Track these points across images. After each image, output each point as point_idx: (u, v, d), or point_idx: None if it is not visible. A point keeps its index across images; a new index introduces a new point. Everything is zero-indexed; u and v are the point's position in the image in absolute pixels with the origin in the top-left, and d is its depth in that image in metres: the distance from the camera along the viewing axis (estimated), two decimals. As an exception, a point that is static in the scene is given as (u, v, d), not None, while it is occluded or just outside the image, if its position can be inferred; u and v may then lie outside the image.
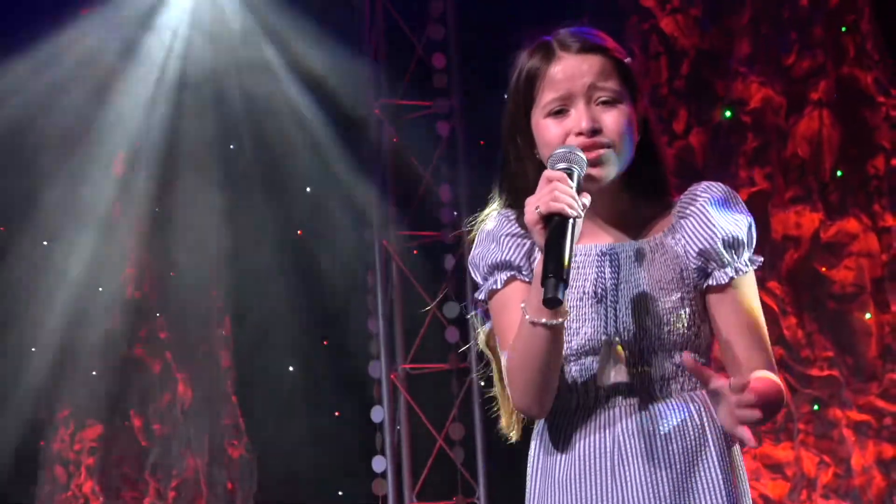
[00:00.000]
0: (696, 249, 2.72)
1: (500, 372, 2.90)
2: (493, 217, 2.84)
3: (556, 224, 2.56)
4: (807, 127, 6.86)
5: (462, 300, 7.67)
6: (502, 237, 2.79)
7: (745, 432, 2.48)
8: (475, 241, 2.87)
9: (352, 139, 7.91)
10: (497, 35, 7.58)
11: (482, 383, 7.54)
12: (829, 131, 6.82)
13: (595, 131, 2.70)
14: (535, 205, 2.59)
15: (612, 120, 2.71)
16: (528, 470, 2.85)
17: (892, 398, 6.64)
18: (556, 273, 2.53)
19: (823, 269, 6.70)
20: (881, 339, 6.68)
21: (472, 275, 2.87)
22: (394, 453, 7.61)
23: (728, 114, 6.98)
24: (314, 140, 8.07)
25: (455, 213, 7.73)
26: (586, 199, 2.61)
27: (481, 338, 2.95)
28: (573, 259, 2.61)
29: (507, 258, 2.77)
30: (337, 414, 8.15)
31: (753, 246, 2.76)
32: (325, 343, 8.17)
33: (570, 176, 2.62)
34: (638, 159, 2.78)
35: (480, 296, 2.86)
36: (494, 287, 2.80)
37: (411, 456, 7.63)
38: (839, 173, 6.80)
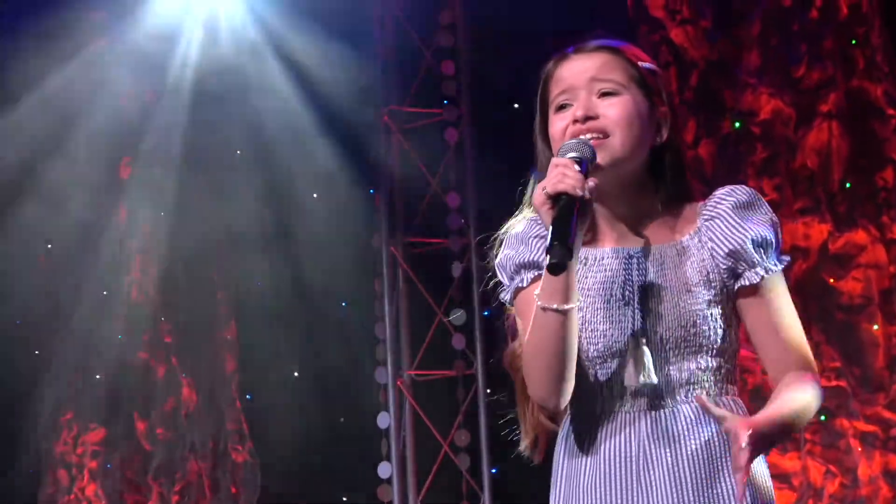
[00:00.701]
0: (726, 250, 2.75)
1: (522, 391, 2.93)
2: (521, 221, 2.89)
3: (563, 203, 2.63)
4: (816, 138, 6.88)
5: (469, 307, 7.69)
6: (531, 239, 2.84)
7: (739, 477, 2.51)
8: (503, 245, 2.92)
9: (360, 145, 7.91)
10: (506, 43, 7.66)
11: (488, 390, 7.60)
12: (838, 143, 6.85)
13: (588, 118, 2.75)
14: (542, 187, 2.66)
15: (610, 108, 2.76)
16: (553, 475, 2.88)
17: (899, 409, 6.68)
18: (561, 240, 2.59)
19: (831, 280, 6.73)
20: (888, 351, 6.71)
21: (499, 276, 2.92)
22: (399, 459, 7.62)
23: (737, 125, 7.00)
24: (322, 145, 8.07)
25: (462, 220, 7.75)
26: (592, 182, 2.66)
27: (505, 357, 2.98)
28: (579, 255, 2.70)
29: (535, 258, 2.81)
30: (342, 419, 8.15)
31: (780, 246, 2.78)
32: (330, 349, 8.16)
33: (578, 163, 2.68)
34: (660, 162, 2.82)
35: (506, 296, 2.90)
36: (521, 286, 2.84)
37: (416, 462, 7.64)
38: (848, 185, 6.83)
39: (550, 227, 2.62)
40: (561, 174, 2.64)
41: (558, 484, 2.85)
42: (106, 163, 8.41)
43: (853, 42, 6.86)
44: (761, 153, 6.97)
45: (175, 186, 8.39)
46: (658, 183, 2.83)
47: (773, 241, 2.76)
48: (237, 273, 8.45)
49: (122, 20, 8.12)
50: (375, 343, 7.74)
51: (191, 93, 8.30)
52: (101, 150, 8.34)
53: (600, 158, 2.74)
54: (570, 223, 2.60)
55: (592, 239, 2.84)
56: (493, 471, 7.61)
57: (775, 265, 2.76)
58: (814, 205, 6.81)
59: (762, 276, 2.74)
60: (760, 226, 2.76)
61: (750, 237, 2.75)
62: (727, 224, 2.77)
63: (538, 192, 2.66)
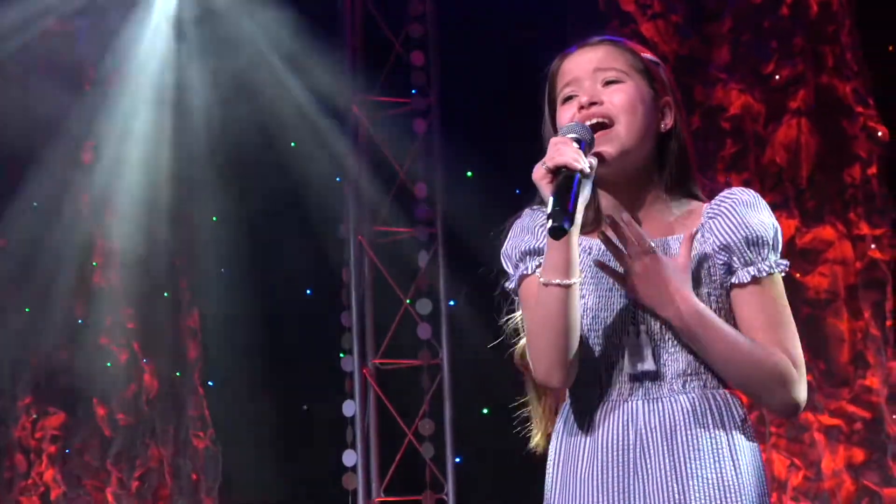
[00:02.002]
0: (720, 244, 2.77)
1: (534, 386, 2.95)
2: (527, 212, 2.91)
3: (563, 175, 2.65)
4: (785, 135, 6.94)
5: (435, 297, 7.71)
6: (537, 227, 2.86)
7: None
8: (508, 236, 2.94)
9: (327, 134, 7.91)
10: (476, 34, 7.68)
11: (453, 380, 7.62)
12: (807, 139, 6.90)
13: (593, 104, 2.79)
14: (542, 163, 2.69)
15: (614, 95, 2.79)
16: (549, 460, 2.87)
17: (863, 404, 6.73)
18: (562, 206, 2.61)
19: (798, 275, 6.79)
20: (853, 346, 6.77)
21: (504, 266, 2.93)
22: (364, 447, 7.63)
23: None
24: (288, 133, 8.06)
25: (430, 210, 7.76)
26: (593, 159, 2.70)
27: (515, 353, 3.00)
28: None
29: (540, 245, 2.82)
30: (305, 407, 8.15)
31: (779, 250, 2.79)
32: (295, 337, 8.16)
33: (577, 142, 2.71)
34: (663, 153, 2.86)
35: (511, 284, 2.91)
36: (525, 273, 2.85)
37: (380, 451, 7.65)
38: (816, 181, 6.89)
39: (551, 197, 2.65)
40: (559, 149, 2.67)
41: (555, 470, 2.85)
42: (68, 147, 8.37)
43: (823, 40, 6.92)
44: (730, 148, 7.02)
45: (139, 172, 8.35)
46: (663, 172, 2.86)
47: (770, 242, 2.77)
48: (200, 260, 8.42)
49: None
50: (341, 331, 7.73)
51: (157, 77, 8.27)
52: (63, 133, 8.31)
53: (608, 147, 2.77)
54: (570, 192, 2.63)
55: (597, 228, 2.85)
56: (457, 460, 7.64)
57: (770, 268, 2.76)
58: (782, 200, 6.86)
59: (752, 276, 2.75)
60: (758, 226, 2.78)
61: (744, 234, 2.77)
62: (726, 220, 2.79)
63: (538, 167, 2.70)
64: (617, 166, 2.80)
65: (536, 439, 2.96)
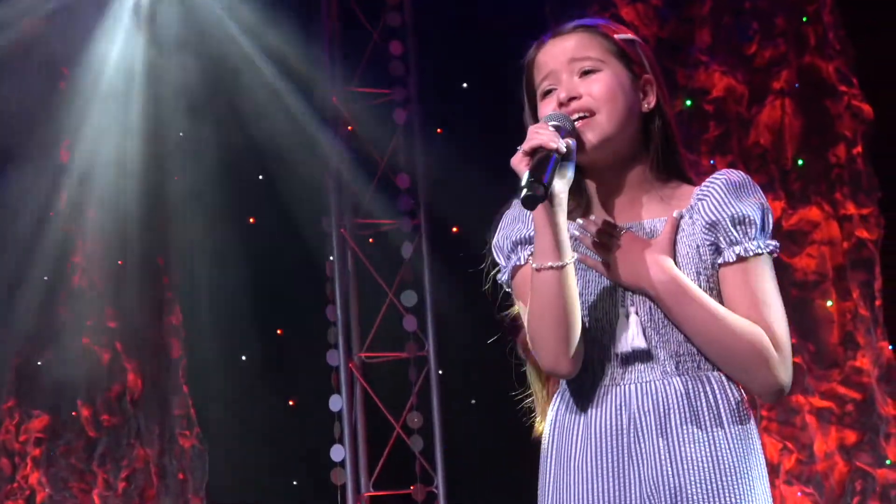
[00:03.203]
0: (707, 223, 2.75)
1: (538, 374, 2.94)
2: (516, 203, 2.88)
3: (540, 157, 2.64)
4: (769, 116, 6.92)
5: (420, 289, 7.66)
6: (527, 216, 2.82)
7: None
8: (498, 227, 2.91)
9: (307, 126, 7.85)
10: (454, 23, 7.63)
11: (440, 371, 7.58)
12: (791, 120, 6.88)
13: (572, 98, 2.77)
14: (519, 148, 2.68)
15: (592, 85, 2.77)
16: (543, 448, 2.86)
17: (854, 385, 6.71)
18: (536, 177, 2.60)
19: (785, 256, 6.77)
20: (843, 327, 6.75)
21: (496, 258, 2.91)
22: (351, 442, 7.58)
23: (688, 103, 7.01)
24: (268, 126, 8.00)
25: (412, 201, 7.71)
26: (571, 140, 2.70)
27: (519, 344, 2.96)
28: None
29: (532, 234, 2.79)
30: (291, 403, 8.10)
31: (768, 231, 2.77)
32: (279, 332, 8.11)
33: (557, 129, 2.70)
34: (647, 133, 2.83)
35: (504, 276, 2.90)
36: (518, 263, 2.84)
37: (368, 445, 7.61)
38: (801, 162, 6.86)
39: (525, 173, 2.63)
40: (536, 133, 2.67)
41: (549, 456, 2.83)
42: (46, 146, 8.31)
43: (805, 20, 6.89)
44: (714, 131, 6.99)
45: (118, 169, 8.29)
46: (648, 152, 2.83)
47: (757, 222, 2.75)
48: (183, 257, 8.37)
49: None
50: (326, 326, 7.68)
51: (134, 71, 8.21)
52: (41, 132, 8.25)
53: (589, 136, 2.75)
54: (545, 166, 2.62)
55: (586, 213, 2.83)
56: (446, 452, 7.60)
57: (757, 247, 2.74)
58: (767, 182, 6.84)
59: (738, 255, 2.72)
60: (745, 206, 2.76)
61: (730, 213, 2.75)
62: (714, 200, 2.77)
63: (516, 154, 2.68)
64: (601, 153, 2.78)
65: (540, 427, 2.93)
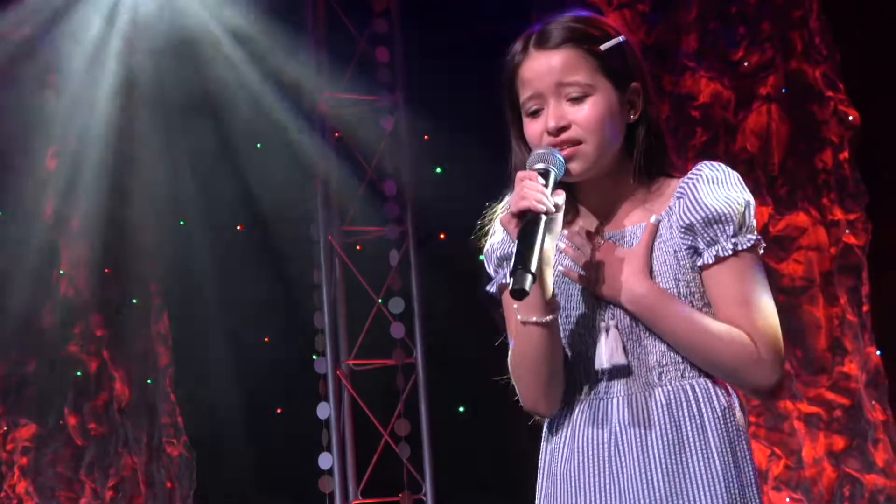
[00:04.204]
0: (683, 226, 2.71)
1: None
2: (504, 209, 2.84)
3: (527, 220, 2.60)
4: (755, 121, 6.91)
5: (407, 296, 7.65)
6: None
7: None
8: (489, 234, 2.89)
9: (294, 133, 7.84)
10: (441, 29, 7.62)
11: (428, 379, 7.56)
12: (778, 126, 6.87)
13: (561, 129, 2.71)
14: (508, 205, 2.65)
15: (581, 115, 2.72)
16: (539, 465, 2.85)
17: (842, 390, 6.70)
18: (524, 265, 2.55)
19: (773, 262, 6.76)
20: (830, 332, 6.74)
21: (486, 268, 2.90)
22: (339, 450, 7.56)
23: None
24: (256, 133, 7.99)
25: (400, 208, 7.70)
26: (560, 197, 2.65)
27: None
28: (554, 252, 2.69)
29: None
30: (279, 411, 8.08)
31: (748, 226, 2.70)
32: (266, 340, 8.09)
33: (545, 175, 2.65)
34: (633, 141, 2.78)
35: (491, 289, 2.88)
36: (504, 282, 2.81)
37: (356, 452, 7.59)
38: (788, 167, 6.86)
39: (514, 249, 2.60)
40: (523, 191, 2.62)
41: (541, 472, 2.83)
42: (32, 153, 8.29)
43: (791, 25, 6.89)
44: (701, 137, 6.98)
45: (103, 178, 8.27)
46: (632, 161, 2.78)
47: (735, 219, 2.68)
48: (170, 266, 8.35)
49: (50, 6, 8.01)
50: (314, 333, 7.66)
51: (120, 80, 8.19)
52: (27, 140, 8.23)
53: (576, 166, 2.72)
54: (533, 240, 2.58)
55: (573, 222, 2.81)
56: (434, 459, 7.58)
57: (734, 245, 2.68)
58: (754, 188, 6.82)
59: (716, 256, 2.68)
60: (719, 203, 2.68)
61: (704, 215, 2.69)
62: (688, 200, 2.71)
63: (505, 212, 2.66)
64: (585, 176, 2.75)
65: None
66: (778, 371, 2.68)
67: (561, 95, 2.72)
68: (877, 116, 6.71)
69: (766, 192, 6.84)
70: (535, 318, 2.68)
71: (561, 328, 2.75)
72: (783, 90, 6.85)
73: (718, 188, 2.70)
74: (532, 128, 2.75)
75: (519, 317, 2.69)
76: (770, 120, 6.87)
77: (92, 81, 8.18)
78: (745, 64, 6.93)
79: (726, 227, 2.68)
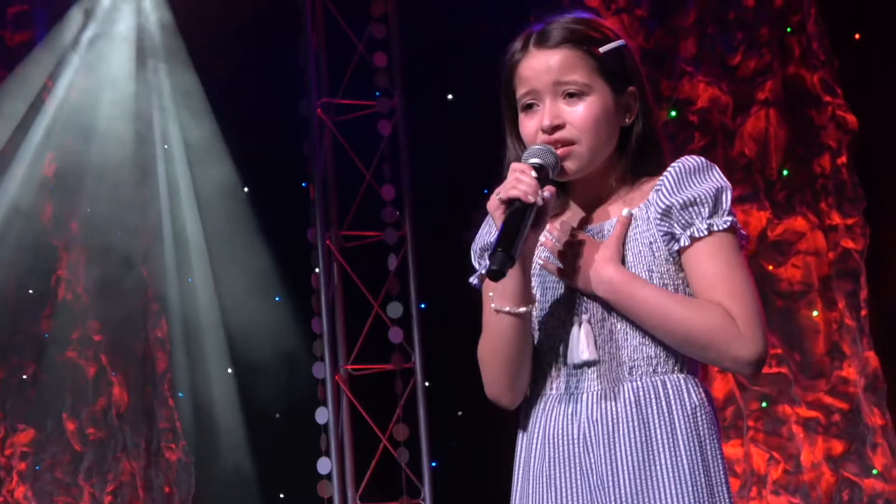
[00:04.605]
0: (659, 212, 2.72)
1: None
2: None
3: (515, 208, 2.63)
4: (753, 126, 6.91)
5: (406, 300, 7.65)
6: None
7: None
8: (481, 226, 2.93)
9: (292, 138, 7.84)
10: (439, 34, 7.62)
11: (427, 383, 7.56)
12: (776, 130, 6.87)
13: (556, 128, 2.74)
14: (497, 192, 2.67)
15: (576, 115, 2.74)
16: (515, 459, 2.87)
17: (840, 395, 6.70)
18: (504, 247, 2.58)
19: (771, 267, 6.76)
20: (829, 337, 6.74)
21: (472, 258, 2.93)
22: (338, 455, 7.56)
23: (673, 113, 7.01)
24: (253, 138, 7.99)
25: (398, 212, 7.70)
26: (549, 192, 2.67)
27: None
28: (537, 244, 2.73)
29: None
30: (277, 416, 8.07)
31: (724, 209, 2.71)
32: (265, 345, 8.08)
33: (539, 170, 2.68)
34: (626, 141, 2.81)
35: (474, 280, 2.90)
36: (483, 272, 2.85)
37: (355, 457, 7.58)
38: (786, 172, 6.86)
39: (496, 235, 2.62)
40: (515, 180, 2.64)
41: (516, 466, 2.85)
42: (32, 158, 8.29)
43: (789, 30, 6.90)
44: (699, 141, 6.98)
45: (101, 182, 8.27)
46: (628, 161, 2.82)
47: (710, 202, 2.70)
48: (167, 270, 8.34)
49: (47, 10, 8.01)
50: (312, 338, 7.66)
51: (116, 87, 8.20)
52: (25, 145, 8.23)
53: (569, 165, 2.75)
54: (517, 230, 2.61)
55: (558, 216, 2.85)
56: (433, 464, 7.57)
57: (710, 225, 2.69)
58: (752, 192, 6.83)
59: (691, 237, 2.70)
60: (698, 188, 2.71)
61: (681, 199, 2.71)
62: (666, 189, 2.73)
63: (493, 197, 2.68)
64: (578, 176, 2.79)
65: None
66: (759, 344, 2.67)
67: (557, 94, 2.75)
68: (875, 121, 6.71)
69: (765, 197, 6.84)
70: (507, 308, 2.70)
71: (536, 321, 2.78)
72: (781, 95, 6.86)
73: (695, 176, 2.73)
74: (527, 125, 2.78)
75: (493, 305, 2.72)
76: (768, 125, 6.87)
77: (91, 86, 8.19)
78: (743, 69, 6.94)
79: (702, 210, 2.70)
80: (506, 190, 2.64)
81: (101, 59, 8.21)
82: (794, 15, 6.87)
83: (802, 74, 6.85)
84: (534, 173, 2.66)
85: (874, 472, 6.64)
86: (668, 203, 2.71)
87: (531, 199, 2.62)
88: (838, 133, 6.75)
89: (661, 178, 2.76)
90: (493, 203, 2.67)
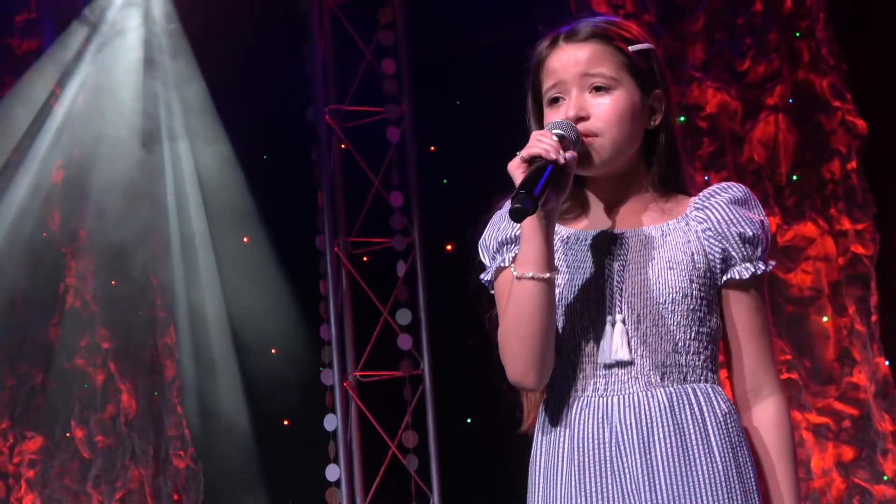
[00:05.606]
0: (714, 234, 2.73)
1: None
2: (508, 202, 2.85)
3: (537, 166, 2.61)
4: (762, 132, 6.89)
5: (414, 307, 7.64)
6: None
7: None
8: (487, 226, 2.89)
9: (301, 145, 7.84)
10: (447, 41, 7.62)
11: (435, 390, 7.54)
12: (785, 136, 6.85)
13: (581, 119, 2.73)
14: (518, 154, 2.66)
15: (602, 107, 2.74)
16: (531, 458, 2.83)
17: (851, 401, 6.68)
18: (527, 189, 2.55)
19: (780, 272, 6.75)
20: (839, 343, 6.72)
21: (481, 257, 2.88)
22: (347, 462, 7.55)
23: (682, 119, 7.00)
24: (261, 145, 8.00)
25: (406, 219, 7.69)
26: (571, 154, 2.65)
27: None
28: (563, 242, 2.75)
29: (518, 234, 2.76)
30: (286, 423, 8.07)
31: (768, 248, 2.77)
32: (273, 351, 8.08)
33: (560, 139, 2.66)
34: (651, 148, 2.80)
35: (487, 277, 2.86)
36: (502, 265, 2.81)
37: (364, 464, 7.57)
38: (795, 178, 6.84)
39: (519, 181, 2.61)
40: (537, 140, 2.64)
41: (537, 466, 2.81)
42: (39, 166, 8.29)
43: (797, 35, 6.87)
44: (708, 147, 6.96)
45: (109, 189, 8.27)
46: (650, 167, 2.81)
47: (764, 241, 2.76)
48: (176, 277, 8.34)
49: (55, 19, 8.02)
50: (320, 345, 7.65)
51: (122, 93, 8.20)
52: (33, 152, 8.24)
53: (592, 156, 2.74)
54: (539, 178, 2.58)
55: (580, 220, 2.84)
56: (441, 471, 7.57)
57: (764, 265, 2.75)
58: (762, 198, 6.73)
59: (752, 273, 2.73)
60: (753, 223, 2.75)
61: (740, 231, 2.73)
62: (720, 213, 2.75)
63: (515, 159, 2.66)
64: (600, 172, 2.77)
65: (527, 423, 2.91)
66: (778, 379, 2.81)
67: (584, 87, 2.74)
68: (884, 126, 6.69)
69: (774, 203, 6.83)
70: (531, 273, 2.66)
71: (562, 318, 2.74)
72: (790, 100, 6.84)
73: (746, 207, 2.77)
74: (552, 117, 2.76)
75: (515, 273, 2.67)
76: (777, 130, 6.85)
77: (99, 93, 8.19)
78: (752, 74, 6.92)
79: (758, 248, 2.74)
80: (527, 149, 2.63)
81: (109, 66, 8.21)
82: (803, 20, 6.85)
83: (811, 79, 6.83)
84: (555, 138, 2.65)
85: (885, 478, 6.62)
86: (723, 229, 2.73)
87: (553, 155, 2.60)
88: (848, 138, 6.73)
89: (698, 197, 2.78)
90: (515, 163, 2.65)
